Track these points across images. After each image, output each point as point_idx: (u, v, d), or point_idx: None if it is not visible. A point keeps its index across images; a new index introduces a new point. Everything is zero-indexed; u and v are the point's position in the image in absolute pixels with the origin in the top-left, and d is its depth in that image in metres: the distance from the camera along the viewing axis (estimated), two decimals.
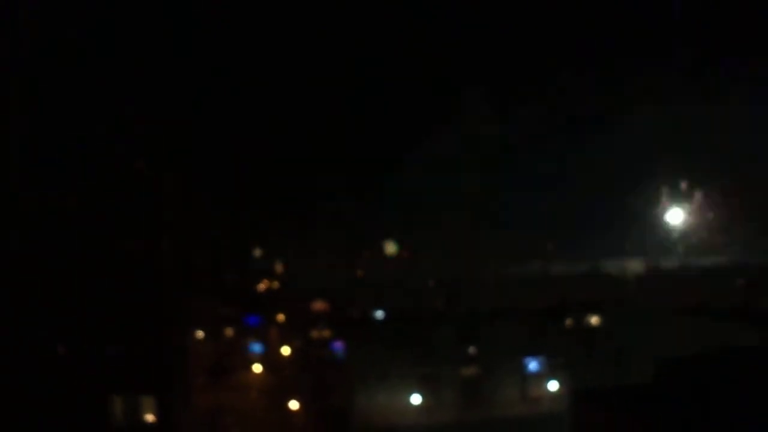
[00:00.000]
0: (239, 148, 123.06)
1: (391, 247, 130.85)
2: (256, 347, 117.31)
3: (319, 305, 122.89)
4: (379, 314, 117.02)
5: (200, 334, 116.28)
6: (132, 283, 57.72)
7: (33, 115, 58.79)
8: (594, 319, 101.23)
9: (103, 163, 58.37)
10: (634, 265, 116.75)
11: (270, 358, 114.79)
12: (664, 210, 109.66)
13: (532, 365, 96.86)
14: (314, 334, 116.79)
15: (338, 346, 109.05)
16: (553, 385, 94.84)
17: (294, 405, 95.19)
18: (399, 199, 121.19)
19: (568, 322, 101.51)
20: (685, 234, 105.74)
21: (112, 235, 57.59)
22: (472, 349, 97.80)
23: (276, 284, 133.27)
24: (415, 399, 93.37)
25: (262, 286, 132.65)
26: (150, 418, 58.13)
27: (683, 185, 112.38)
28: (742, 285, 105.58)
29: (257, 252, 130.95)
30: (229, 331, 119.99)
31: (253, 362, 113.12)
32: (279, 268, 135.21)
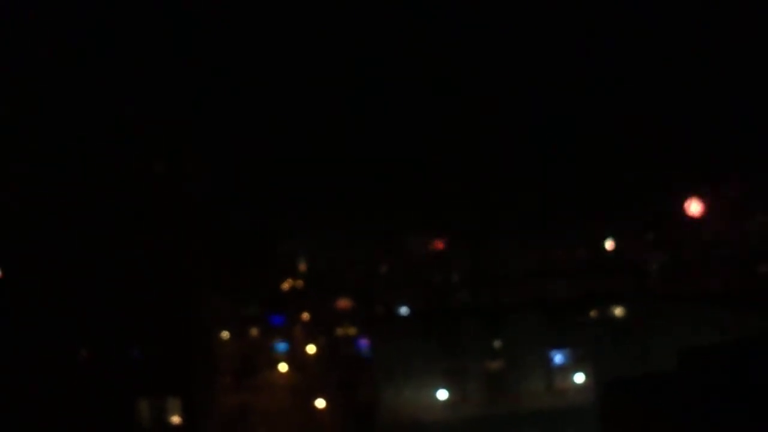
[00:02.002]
0: (260, 146, 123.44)
1: (416, 243, 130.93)
2: (281, 346, 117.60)
3: (343, 303, 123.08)
4: (404, 310, 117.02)
5: (225, 334, 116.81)
6: (156, 285, 57.90)
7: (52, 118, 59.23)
8: (618, 311, 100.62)
9: (125, 165, 58.60)
10: (656, 256, 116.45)
11: (295, 357, 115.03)
12: (685, 201, 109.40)
13: (558, 357, 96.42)
14: (339, 331, 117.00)
15: (363, 343, 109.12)
16: (578, 377, 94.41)
17: (320, 403, 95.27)
18: (421, 196, 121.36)
19: (593, 313, 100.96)
20: (706, 223, 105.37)
21: (135, 238, 57.78)
22: (497, 343, 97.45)
23: (300, 283, 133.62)
24: (442, 394, 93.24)
25: (286, 285, 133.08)
26: (176, 419, 58.34)
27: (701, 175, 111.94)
28: (765, 271, 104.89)
29: (281, 250, 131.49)
30: (254, 331, 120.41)
31: (278, 361, 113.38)
32: (302, 266, 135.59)
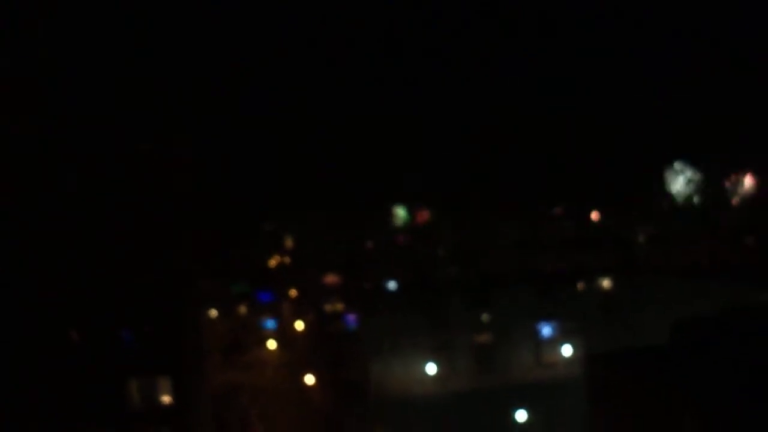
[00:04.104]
0: (246, 125, 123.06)
1: (400, 216, 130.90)
2: (270, 323, 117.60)
3: (330, 279, 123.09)
4: (392, 285, 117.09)
5: (213, 312, 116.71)
6: (145, 265, 57.70)
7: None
8: (606, 283, 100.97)
9: (113, 144, 58.24)
10: (645, 227, 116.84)
11: (284, 334, 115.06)
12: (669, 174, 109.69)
13: (546, 330, 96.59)
14: (327, 307, 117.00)
15: (351, 318, 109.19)
16: (567, 350, 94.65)
17: (310, 379, 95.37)
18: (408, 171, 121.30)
19: (580, 286, 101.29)
20: (691, 197, 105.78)
21: (124, 218, 57.51)
22: (485, 316, 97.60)
23: (287, 259, 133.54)
24: (430, 368, 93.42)
25: (273, 261, 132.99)
26: (166, 399, 58.27)
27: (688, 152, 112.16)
28: (753, 244, 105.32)
29: (267, 226, 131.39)
30: (242, 309, 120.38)
31: (267, 338, 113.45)
32: (289, 242, 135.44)
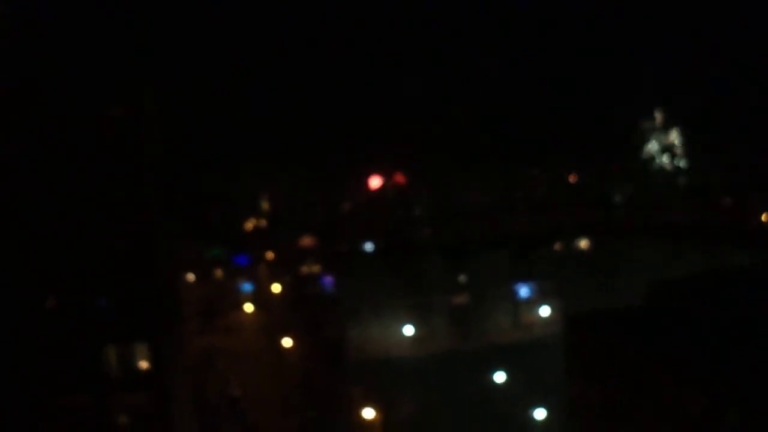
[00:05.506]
0: (220, 88, 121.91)
1: (375, 180, 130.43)
2: (247, 286, 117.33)
3: (307, 241, 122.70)
4: (368, 247, 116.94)
5: (190, 277, 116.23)
6: (118, 231, 57.14)
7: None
8: (583, 243, 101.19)
9: (83, 110, 57.44)
10: (622, 188, 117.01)
11: (261, 297, 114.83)
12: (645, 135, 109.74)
13: (523, 291, 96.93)
14: (304, 270, 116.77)
15: (328, 280, 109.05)
16: (544, 311, 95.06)
17: (287, 342, 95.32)
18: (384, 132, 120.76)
19: (557, 246, 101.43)
20: (667, 156, 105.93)
21: (96, 185, 56.85)
22: (462, 278, 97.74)
23: (263, 222, 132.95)
24: (408, 330, 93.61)
25: (249, 224, 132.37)
26: (144, 365, 57.98)
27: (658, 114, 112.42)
28: (728, 204, 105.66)
29: (243, 189, 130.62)
30: (218, 272, 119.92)
31: (244, 302, 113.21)
32: (265, 205, 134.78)
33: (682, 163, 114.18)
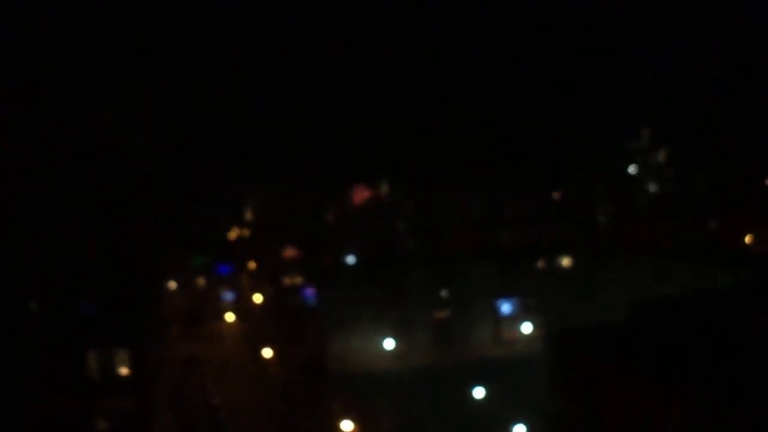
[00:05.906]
0: (207, 97, 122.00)
1: (360, 192, 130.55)
2: (228, 295, 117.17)
3: (290, 252, 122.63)
4: (351, 259, 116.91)
5: (173, 284, 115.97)
6: (103, 237, 57.15)
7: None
8: (566, 261, 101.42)
9: (70, 113, 57.44)
10: (606, 206, 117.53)
11: (242, 306, 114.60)
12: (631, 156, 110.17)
13: (505, 307, 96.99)
14: (286, 281, 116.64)
15: (310, 292, 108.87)
16: (526, 327, 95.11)
17: (268, 353, 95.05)
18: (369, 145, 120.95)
19: (540, 263, 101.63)
20: (652, 179, 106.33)
21: (83, 190, 56.83)
22: (444, 292, 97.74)
23: (246, 232, 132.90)
24: (389, 344, 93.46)
25: (232, 233, 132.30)
26: (125, 370, 57.96)
27: (645, 133, 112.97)
28: (714, 227, 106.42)
29: (227, 198, 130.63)
30: (201, 281, 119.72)
31: (225, 311, 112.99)
32: (249, 215, 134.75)
33: (666, 184, 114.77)
